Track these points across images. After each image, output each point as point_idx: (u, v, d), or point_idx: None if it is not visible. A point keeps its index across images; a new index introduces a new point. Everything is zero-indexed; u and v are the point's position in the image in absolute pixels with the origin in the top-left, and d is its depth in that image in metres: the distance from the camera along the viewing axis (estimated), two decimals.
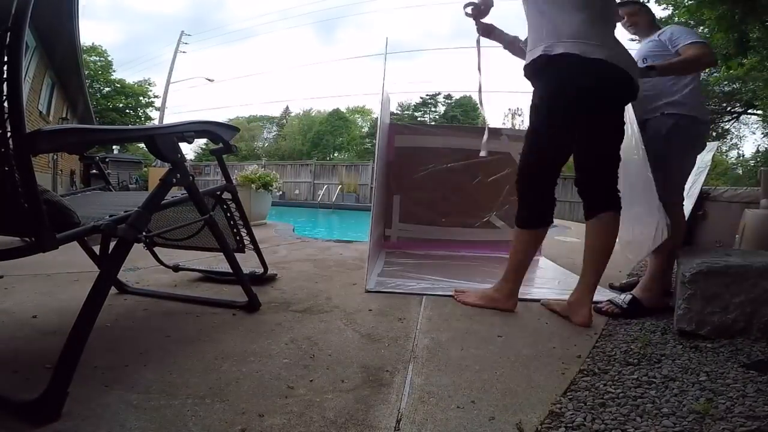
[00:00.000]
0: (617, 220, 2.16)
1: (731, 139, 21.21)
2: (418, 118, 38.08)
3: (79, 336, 1.23)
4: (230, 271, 2.11)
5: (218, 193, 2.27)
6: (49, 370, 1.21)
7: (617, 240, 2.25)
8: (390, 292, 2.56)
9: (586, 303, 2.13)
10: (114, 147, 22.03)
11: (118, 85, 30.52)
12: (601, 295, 2.43)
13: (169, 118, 26.38)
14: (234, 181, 2.53)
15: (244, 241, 2.51)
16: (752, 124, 20.48)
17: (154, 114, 31.09)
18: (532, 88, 2.26)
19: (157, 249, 2.68)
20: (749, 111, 17.52)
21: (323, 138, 38.14)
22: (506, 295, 2.31)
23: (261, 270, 2.66)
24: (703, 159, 4.81)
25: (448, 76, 60.05)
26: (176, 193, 1.84)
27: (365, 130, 39.82)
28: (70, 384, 1.19)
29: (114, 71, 30.42)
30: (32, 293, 2.29)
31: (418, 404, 1.33)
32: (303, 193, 20.29)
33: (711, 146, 5.12)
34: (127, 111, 31.05)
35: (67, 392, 1.18)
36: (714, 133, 18.11)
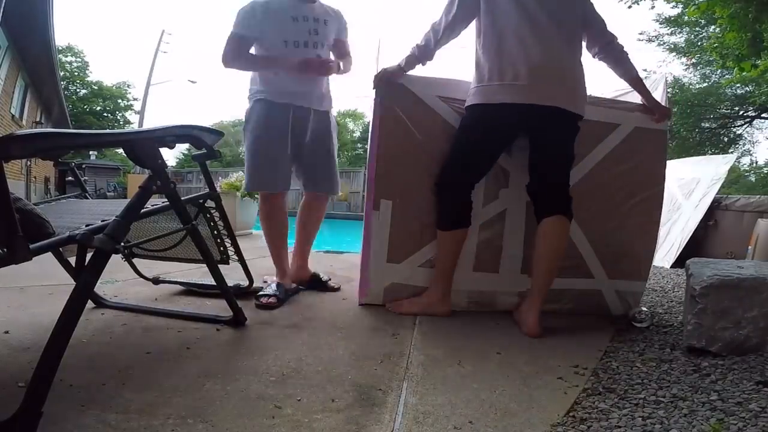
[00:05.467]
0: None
1: (744, 144, 21.34)
2: None
3: (54, 352, 1.22)
4: (214, 283, 2.11)
5: (201, 201, 2.27)
6: (22, 389, 1.22)
7: None
8: (383, 305, 2.56)
9: (533, 311, 2.24)
10: (91, 152, 21.99)
11: (96, 87, 30.47)
12: None
13: (149, 122, 26.35)
14: (218, 189, 2.53)
15: (229, 251, 2.51)
16: (766, 129, 20.63)
17: (134, 117, 31.06)
18: None
19: (136, 261, 2.67)
20: (763, 115, 17.66)
21: None
22: (439, 299, 2.46)
23: (246, 282, 2.66)
24: (717, 171, 4.86)
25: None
26: (156, 201, 1.85)
27: (357, 134, 39.84)
28: (44, 403, 1.19)
29: (91, 72, 30.44)
30: (4, 307, 2.28)
31: (412, 425, 1.34)
32: (291, 202, 19.99)
33: (728, 158, 5.18)
34: (105, 114, 30.99)
35: (41, 412, 1.18)
36: (725, 139, 18.23)
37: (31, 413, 1.16)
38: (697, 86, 17.41)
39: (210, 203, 2.31)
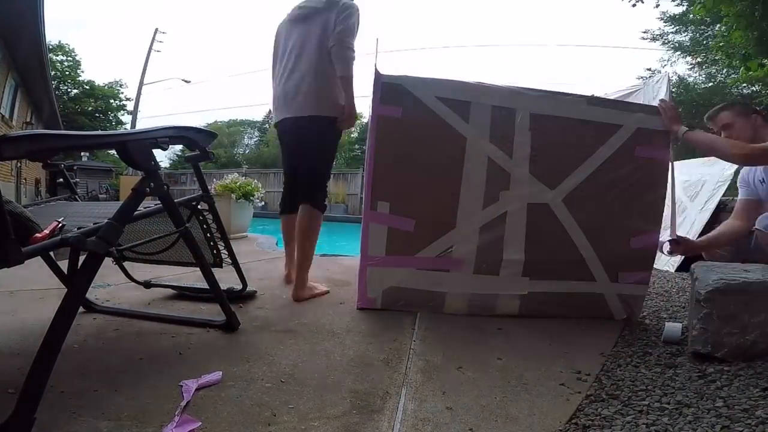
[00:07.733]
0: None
1: None
2: None
3: (46, 358, 1.23)
4: (206, 287, 2.11)
5: (194, 203, 2.28)
6: (12, 396, 1.21)
7: None
8: (382, 309, 2.57)
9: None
10: (83, 154, 21.95)
11: (87, 87, 30.38)
12: None
13: (142, 123, 26.34)
14: (212, 191, 2.53)
15: (222, 255, 2.51)
16: None
17: (126, 118, 30.99)
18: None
19: (129, 264, 2.67)
20: None
21: None
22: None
23: (240, 286, 2.66)
24: (723, 173, 4.85)
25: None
26: (149, 203, 1.85)
27: (354, 135, 39.78)
28: (36, 410, 1.19)
29: (82, 72, 30.36)
30: None
31: None
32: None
33: None
34: (97, 115, 30.88)
35: (34, 418, 1.18)
36: None
37: (24, 419, 1.17)
38: (703, 86, 17.38)
39: (203, 205, 2.32)
